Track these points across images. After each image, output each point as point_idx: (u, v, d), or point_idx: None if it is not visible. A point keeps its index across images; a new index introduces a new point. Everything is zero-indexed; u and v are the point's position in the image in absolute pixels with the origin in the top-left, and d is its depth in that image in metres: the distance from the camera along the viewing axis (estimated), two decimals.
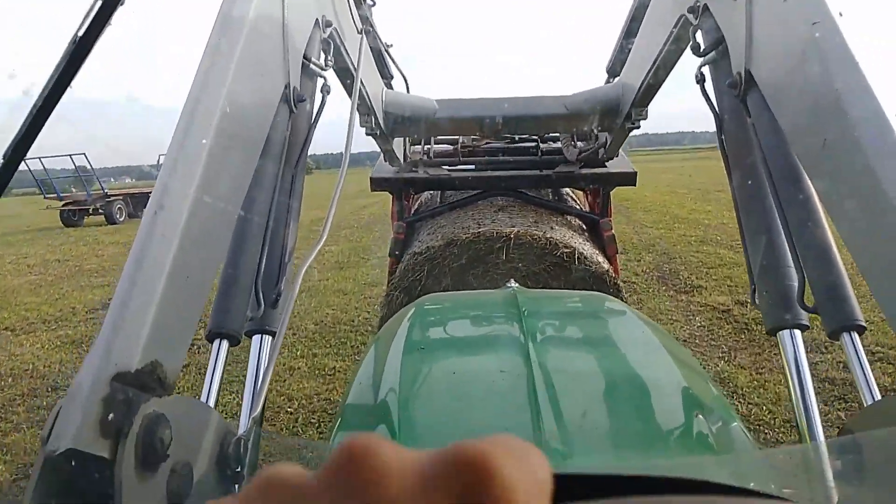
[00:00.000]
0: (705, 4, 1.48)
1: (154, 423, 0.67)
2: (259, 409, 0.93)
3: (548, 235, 2.91)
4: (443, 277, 2.95)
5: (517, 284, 1.64)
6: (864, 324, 1.01)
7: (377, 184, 3.38)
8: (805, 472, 0.75)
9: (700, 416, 0.93)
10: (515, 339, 1.17)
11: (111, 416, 0.64)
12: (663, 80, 2.23)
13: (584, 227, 3.45)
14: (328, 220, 1.26)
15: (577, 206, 3.72)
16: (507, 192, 3.42)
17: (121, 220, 19.16)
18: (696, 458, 0.85)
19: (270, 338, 1.17)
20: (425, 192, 3.91)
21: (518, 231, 2.90)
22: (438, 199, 3.74)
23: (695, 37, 1.54)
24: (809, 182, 1.13)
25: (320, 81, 1.55)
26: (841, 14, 1.04)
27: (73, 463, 0.62)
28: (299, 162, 1.38)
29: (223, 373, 1.02)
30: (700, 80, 1.52)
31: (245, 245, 1.16)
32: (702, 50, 1.49)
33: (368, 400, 1.11)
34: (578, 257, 2.86)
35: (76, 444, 0.61)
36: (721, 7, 1.40)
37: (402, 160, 3.41)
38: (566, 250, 2.87)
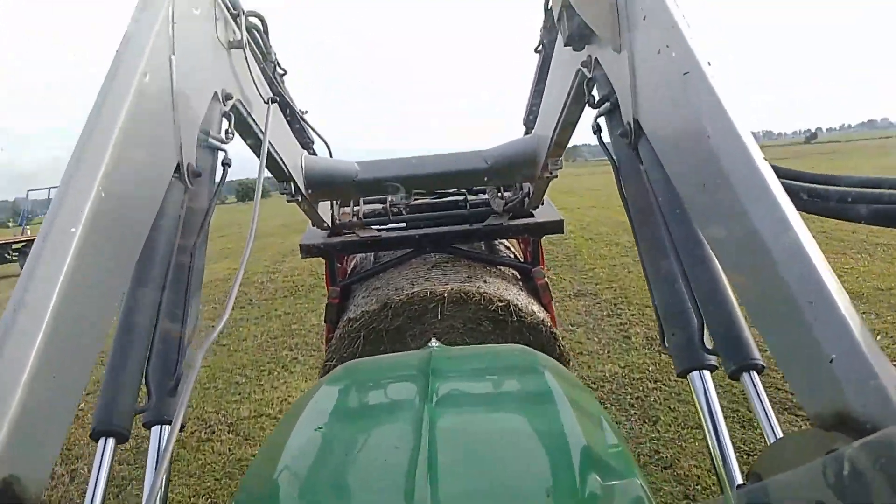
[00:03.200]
0: (596, 58, 1.54)
1: None
2: None
3: (482, 290, 2.90)
4: (379, 342, 2.89)
5: (438, 344, 1.61)
6: (762, 363, 1.02)
7: (307, 251, 3.32)
8: None
9: (598, 481, 0.90)
10: (414, 407, 1.14)
11: None
12: (572, 130, 2.30)
13: (517, 276, 3.46)
14: (231, 297, 1.22)
15: (511, 255, 3.75)
16: (438, 248, 3.41)
17: None
18: None
19: (168, 427, 1.10)
20: (359, 254, 3.87)
21: (451, 288, 2.89)
22: (372, 259, 3.70)
23: (590, 90, 1.60)
24: (698, 226, 1.15)
25: (221, 154, 1.52)
26: (710, 63, 1.10)
27: None
28: (198, 239, 1.34)
29: (109, 475, 0.94)
30: (597, 130, 1.57)
31: (131, 333, 1.10)
32: (596, 102, 1.55)
33: (263, 483, 1.06)
34: (513, 310, 2.86)
35: None
36: (609, 60, 1.46)
37: (330, 224, 3.38)
38: (500, 304, 2.87)
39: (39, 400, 0.75)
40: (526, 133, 3.24)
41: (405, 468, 0.89)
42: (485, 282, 3.06)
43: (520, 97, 3.27)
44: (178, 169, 1.29)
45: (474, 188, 3.81)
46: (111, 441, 0.98)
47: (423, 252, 3.41)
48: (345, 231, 3.42)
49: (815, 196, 1.04)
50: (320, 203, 3.09)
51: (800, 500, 0.68)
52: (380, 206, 3.76)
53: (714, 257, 1.13)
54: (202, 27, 1.49)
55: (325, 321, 3.46)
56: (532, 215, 3.45)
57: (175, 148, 1.28)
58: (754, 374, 1.02)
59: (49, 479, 0.75)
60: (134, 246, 1.08)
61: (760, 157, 0.93)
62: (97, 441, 0.98)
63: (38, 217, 21.01)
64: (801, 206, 0.93)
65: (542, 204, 3.49)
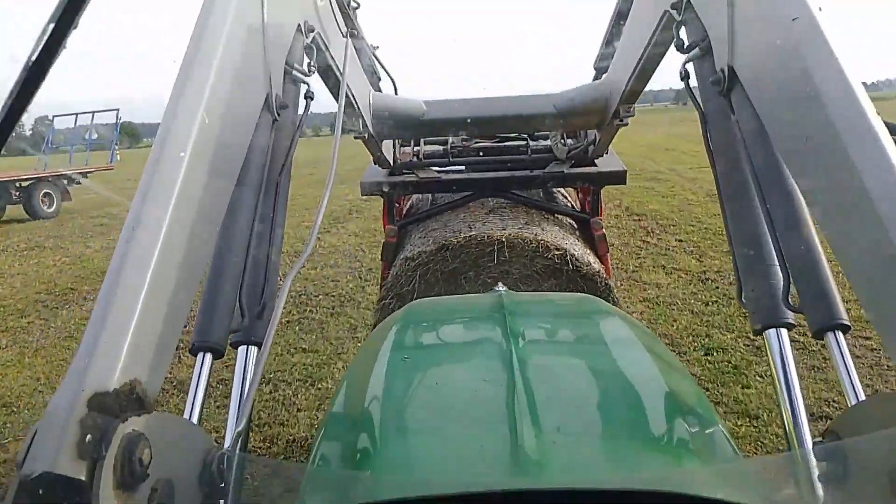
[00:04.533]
0: (688, 1, 1.47)
1: (133, 443, 0.66)
2: (244, 423, 0.93)
3: (539, 238, 2.89)
4: (435, 283, 2.93)
5: (505, 288, 1.63)
6: (848, 323, 1.00)
7: (367, 188, 3.36)
8: (790, 480, 0.75)
9: (683, 424, 0.92)
10: (498, 345, 1.16)
11: (88, 437, 0.63)
12: (650, 77, 2.23)
13: (574, 226, 3.43)
14: (314, 232, 1.25)
15: (569, 205, 3.71)
16: (497, 193, 3.40)
17: (50, 210, 14.93)
18: (680, 470, 0.84)
19: (256, 349, 1.16)
20: (416, 194, 3.89)
21: (509, 234, 2.89)
22: (430, 201, 3.72)
23: (678, 34, 1.53)
24: (793, 180, 1.12)
25: (304, 87, 1.54)
26: (821, 9, 1.04)
27: (49, 487, 0.61)
28: (283, 170, 1.37)
29: (207, 387, 1.01)
30: (684, 76, 1.51)
31: (228, 256, 1.15)
32: (685, 47, 1.49)
33: (351, 411, 1.10)
34: (569, 259, 2.86)
35: (52, 468, 0.60)
36: (704, 3, 1.39)
37: (391, 162, 3.39)
38: (557, 252, 2.86)
39: (154, 314, 0.80)
40: (596, 78, 3.16)
41: (503, 401, 0.92)
42: (542, 229, 3.04)
43: (593, 39, 3.18)
44: (266, 100, 1.32)
45: (536, 134, 3.75)
46: (209, 356, 1.04)
47: (481, 196, 3.40)
48: (405, 171, 3.43)
49: None
50: (384, 142, 3.10)
51: (883, 460, 0.68)
52: (440, 147, 3.74)
53: (807, 213, 1.10)
54: None
55: (381, 259, 3.52)
56: (594, 164, 3.39)
57: (265, 79, 1.30)
58: (839, 333, 1.00)
59: (162, 383, 0.81)
60: (231, 172, 1.12)
61: (873, 112, 0.89)
62: (195, 356, 1.04)
63: (62, 148, 17.83)
64: None
65: (606, 153, 3.42)
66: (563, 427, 0.86)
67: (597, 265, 3.01)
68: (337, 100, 1.71)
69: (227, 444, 0.93)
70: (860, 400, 0.93)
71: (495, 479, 0.75)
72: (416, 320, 1.52)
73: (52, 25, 0.88)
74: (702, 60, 1.42)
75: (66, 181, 15.35)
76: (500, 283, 1.69)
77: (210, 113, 0.99)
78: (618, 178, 3.33)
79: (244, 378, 1.12)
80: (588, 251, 3.14)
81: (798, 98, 1.00)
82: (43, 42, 0.88)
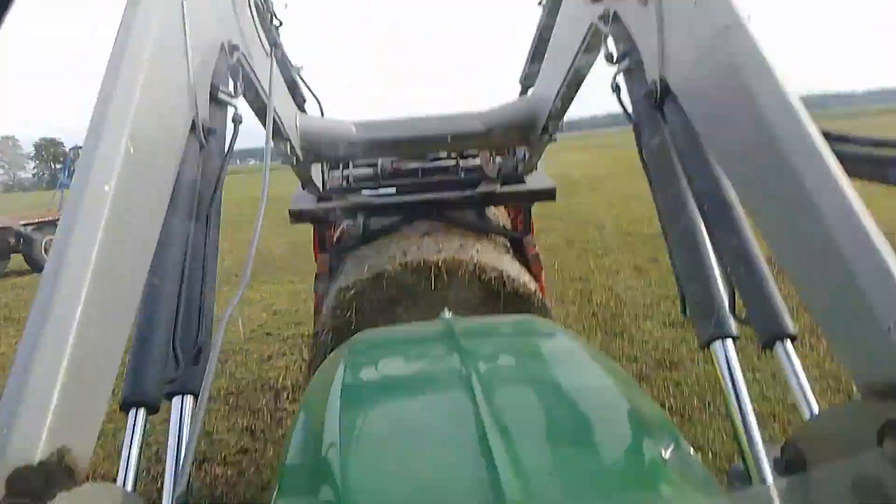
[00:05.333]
0: (615, 12, 1.48)
1: None
2: (185, 483, 0.84)
3: (475, 260, 2.85)
4: (372, 313, 2.80)
5: (451, 314, 1.59)
6: (795, 332, 1.01)
7: (297, 216, 3.24)
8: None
9: (654, 447, 0.90)
10: (457, 376, 1.11)
11: None
12: (577, 90, 2.25)
13: (508, 246, 3.43)
14: (248, 263, 1.18)
15: (501, 224, 3.71)
16: (429, 215, 3.35)
17: None
18: (662, 488, 0.82)
19: (192, 399, 1.06)
20: (347, 220, 3.79)
21: (444, 258, 2.83)
22: (361, 226, 3.63)
23: (607, 45, 1.54)
24: (730, 188, 1.12)
25: (231, 111, 1.46)
26: (749, 17, 1.06)
27: None
28: (213, 200, 1.28)
29: (141, 446, 0.91)
30: (616, 89, 1.53)
31: (159, 299, 1.06)
32: (615, 59, 1.50)
33: (307, 462, 1.02)
34: (506, 280, 2.83)
35: None
36: (631, 14, 1.40)
37: (320, 188, 3.30)
38: (493, 274, 2.83)
39: (83, 369, 0.72)
40: (522, 93, 3.19)
41: (473, 432, 0.87)
42: (477, 250, 3.00)
43: (517, 55, 3.21)
44: (193, 126, 1.23)
45: (467, 152, 3.75)
46: (142, 411, 0.94)
47: (413, 219, 3.35)
48: (335, 196, 3.34)
49: (865, 161, 1.03)
50: (312, 166, 3.02)
51: (845, 469, 0.67)
52: (370, 170, 3.68)
53: (747, 224, 1.11)
54: None
55: (314, 290, 3.38)
56: (524, 181, 3.41)
57: (190, 103, 1.22)
58: (788, 343, 1.00)
59: (94, 449, 0.72)
60: (160, 205, 1.04)
61: (808, 119, 0.91)
62: (127, 412, 0.94)
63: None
64: (850, 170, 0.91)
65: (536, 170, 3.45)
66: (541, 463, 0.83)
67: (532, 285, 3.00)
68: (263, 123, 1.64)
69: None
70: (812, 407, 0.93)
71: None
72: (365, 352, 1.45)
73: None
74: (632, 73, 1.43)
75: None
76: (445, 309, 1.65)
77: (135, 141, 0.91)
78: (548, 194, 3.37)
79: (181, 431, 1.02)
80: (523, 270, 3.13)
81: (733, 107, 1.01)
82: None
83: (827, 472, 0.73)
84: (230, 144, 1.41)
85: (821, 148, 0.86)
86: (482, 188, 3.30)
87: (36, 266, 12.07)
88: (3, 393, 0.66)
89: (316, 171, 3.20)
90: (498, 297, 2.82)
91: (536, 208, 3.57)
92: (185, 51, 1.19)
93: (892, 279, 0.72)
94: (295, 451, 1.09)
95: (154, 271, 1.03)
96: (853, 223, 0.78)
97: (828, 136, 0.94)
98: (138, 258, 0.93)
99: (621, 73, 1.48)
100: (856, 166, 1.03)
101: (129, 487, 0.85)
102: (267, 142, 1.52)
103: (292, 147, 2.49)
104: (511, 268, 2.95)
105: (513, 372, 1.29)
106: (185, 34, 1.20)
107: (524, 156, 3.20)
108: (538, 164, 3.37)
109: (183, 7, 1.19)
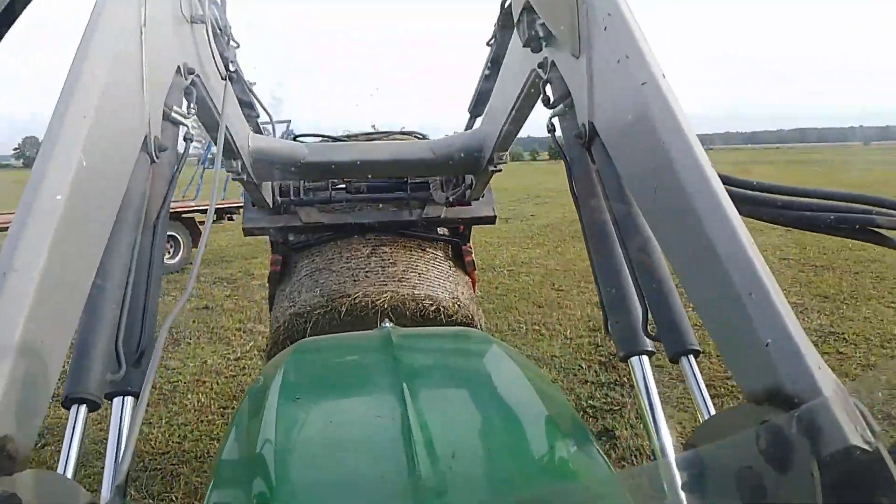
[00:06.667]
0: (552, 61, 1.62)
1: None
2: (123, 477, 0.88)
3: (416, 293, 3.19)
4: (324, 332, 3.06)
5: (391, 324, 1.67)
6: (698, 348, 1.13)
7: (250, 231, 3.34)
8: (655, 489, 0.83)
9: (562, 445, 1.00)
10: (390, 381, 1.19)
11: None
12: (521, 126, 2.38)
13: (448, 253, 3.66)
14: (194, 272, 1.23)
15: (442, 231, 3.88)
16: (378, 233, 3.51)
17: (172, 261, 10.95)
18: (561, 487, 0.91)
19: (133, 400, 1.10)
20: None
21: (389, 296, 3.15)
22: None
23: (545, 90, 1.67)
24: (644, 219, 1.25)
25: (183, 129, 1.52)
26: (664, 76, 1.20)
27: None
28: (160, 214, 1.34)
29: (82, 441, 0.95)
30: (551, 129, 1.65)
31: (103, 303, 1.10)
32: (551, 102, 1.63)
33: (243, 455, 1.08)
34: (441, 310, 3.19)
35: None
36: (566, 64, 1.53)
37: (270, 204, 3.35)
38: (431, 306, 3.18)
39: (27, 363, 0.76)
40: (470, 120, 3.33)
41: (398, 433, 0.95)
42: (419, 276, 3.32)
43: (467, 84, 3.38)
44: (144, 142, 1.29)
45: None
46: (83, 408, 0.98)
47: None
48: (285, 211, 3.41)
49: (754, 202, 1.16)
50: (263, 184, 3.06)
51: (732, 465, 0.78)
52: (322, 183, 3.75)
53: (660, 252, 1.23)
54: (170, 0, 1.48)
55: (269, 285, 3.60)
56: (469, 204, 3.56)
57: (143, 121, 1.27)
58: (692, 357, 1.12)
59: (36, 439, 0.76)
60: (108, 216, 1.08)
61: (709, 164, 1.03)
62: (69, 409, 0.98)
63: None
64: (742, 211, 1.04)
65: (483, 196, 3.59)
66: (458, 454, 0.91)
67: (467, 307, 3.32)
68: (215, 142, 1.69)
69: (103, 498, 0.89)
70: (712, 412, 1.05)
71: None
72: (304, 359, 1.51)
73: None
74: (565, 115, 1.56)
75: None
76: (386, 320, 1.74)
77: (88, 154, 0.96)
78: (489, 220, 3.56)
79: (120, 431, 1.07)
80: (459, 290, 3.43)
81: (647, 153, 1.14)
82: None
83: (714, 459, 0.82)
84: (180, 161, 1.46)
85: (716, 188, 0.99)
86: (429, 213, 3.44)
87: None
88: None
89: (267, 189, 3.25)
90: (435, 321, 3.18)
91: None
92: (140, 72, 1.25)
93: (771, 303, 0.83)
94: (232, 447, 1.15)
95: (100, 275, 1.08)
96: (741, 255, 0.90)
97: (725, 179, 1.08)
98: (86, 264, 0.97)
99: (556, 116, 1.60)
100: (750, 207, 1.18)
101: (69, 474, 0.88)
102: (217, 159, 1.58)
103: (243, 165, 2.54)
104: (447, 294, 3.32)
105: (441, 377, 1.38)
106: (142, 55, 1.25)
107: (472, 183, 3.32)
108: (486, 190, 3.51)
109: (142, 31, 1.25)
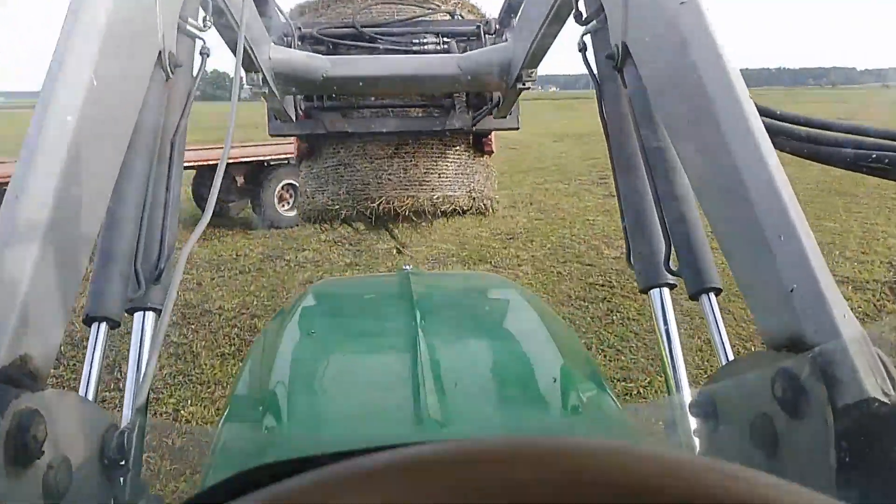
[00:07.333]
0: None
1: (26, 420, 0.65)
2: (144, 396, 0.91)
3: (434, 196, 3.27)
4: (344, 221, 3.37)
5: (411, 267, 1.70)
6: (720, 286, 1.10)
7: (275, 131, 3.36)
8: (666, 424, 0.83)
9: (571, 382, 1.00)
10: (406, 321, 1.20)
11: None
12: (551, 43, 2.28)
13: (469, 142, 3.62)
14: (213, 195, 1.22)
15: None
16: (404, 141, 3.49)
17: (289, 213, 8.92)
18: (567, 418, 0.92)
19: (154, 316, 1.12)
20: None
21: (411, 203, 3.26)
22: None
23: (577, 4, 1.58)
24: (674, 150, 1.20)
25: (199, 43, 1.47)
26: None
27: None
28: (178, 132, 1.31)
29: (102, 359, 0.98)
30: (582, 48, 1.57)
31: (121, 222, 1.10)
32: (584, 19, 1.54)
33: (257, 386, 1.11)
34: (459, 209, 3.31)
35: None
36: None
37: (293, 116, 3.30)
38: (449, 206, 3.30)
39: (45, 284, 0.77)
40: (498, 33, 3.21)
41: (408, 366, 0.96)
42: (439, 176, 3.41)
43: None
44: (159, 58, 1.25)
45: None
46: (104, 326, 1.00)
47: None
48: (310, 117, 3.38)
49: (790, 136, 1.10)
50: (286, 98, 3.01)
51: (746, 409, 0.78)
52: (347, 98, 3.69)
53: (688, 185, 1.18)
54: None
55: (296, 154, 3.65)
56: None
57: (157, 35, 1.23)
58: (713, 296, 1.09)
59: (55, 358, 0.78)
60: (123, 136, 1.06)
61: (746, 94, 0.97)
62: (90, 326, 1.00)
63: None
64: (777, 144, 0.98)
65: (509, 115, 3.49)
66: (461, 385, 0.92)
67: (487, 195, 3.45)
68: (235, 54, 1.64)
69: (124, 417, 0.92)
70: (729, 356, 1.03)
71: (398, 434, 0.79)
72: (321, 298, 1.54)
73: None
74: (598, 34, 1.47)
75: None
76: (409, 265, 1.77)
77: (99, 73, 0.94)
78: (512, 129, 3.51)
79: (141, 347, 1.09)
80: (479, 178, 3.49)
81: (681, 80, 1.08)
82: None
83: (728, 401, 0.82)
84: (197, 77, 1.42)
85: (753, 123, 0.93)
86: (453, 122, 3.40)
87: (261, 221, 8.75)
88: None
89: (288, 101, 3.20)
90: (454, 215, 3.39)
91: None
92: None
93: (800, 247, 0.80)
94: (245, 381, 1.18)
95: (117, 195, 1.07)
96: (772, 192, 0.86)
97: (762, 111, 1.02)
98: (101, 184, 0.97)
99: (588, 34, 1.52)
100: (786, 141, 1.11)
101: (90, 397, 0.92)
102: (236, 74, 1.53)
103: (264, 78, 2.48)
104: (464, 191, 3.41)
105: (456, 316, 1.39)
106: None
107: (499, 101, 3.22)
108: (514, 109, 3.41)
109: None
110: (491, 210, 3.45)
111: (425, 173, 3.40)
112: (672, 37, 1.11)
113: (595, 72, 1.49)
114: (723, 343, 1.05)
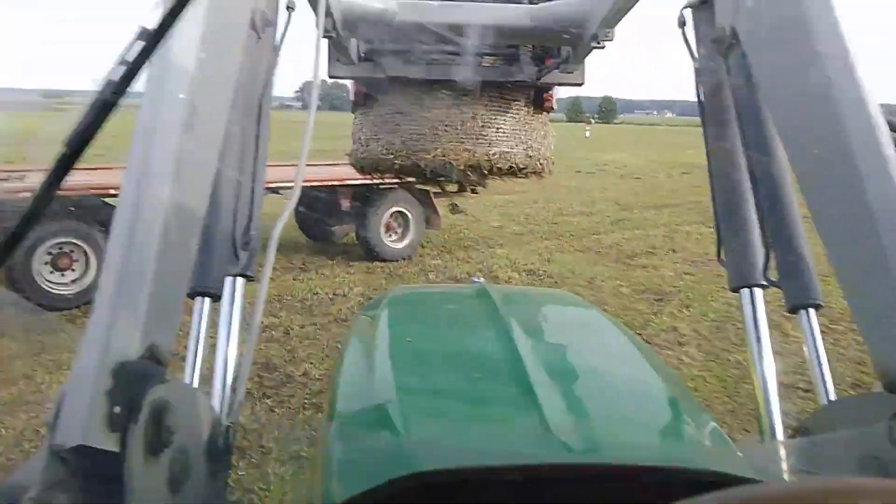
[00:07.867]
0: None
1: (160, 411, 0.67)
2: (243, 390, 0.93)
3: (491, 152, 3.20)
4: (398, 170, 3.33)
5: (483, 279, 1.71)
6: (821, 303, 1.04)
7: (334, 73, 3.31)
8: (773, 466, 0.81)
9: (678, 411, 0.99)
10: (501, 337, 1.20)
11: (117, 409, 0.64)
12: (633, 5, 2.15)
13: (529, 96, 3.53)
14: (300, 174, 1.19)
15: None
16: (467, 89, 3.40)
17: (397, 245, 7.99)
18: (687, 445, 0.91)
19: (245, 281, 1.13)
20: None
21: (467, 158, 3.18)
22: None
23: None
24: (784, 154, 1.12)
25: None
26: None
27: (82, 459, 0.62)
28: (265, 93, 1.29)
29: (206, 332, 1.00)
30: (682, 22, 1.47)
31: (221, 197, 1.11)
32: None
33: (365, 395, 1.11)
34: (514, 168, 3.26)
35: (85, 440, 0.61)
36: None
37: (355, 59, 3.25)
38: (505, 164, 3.23)
39: (166, 269, 0.77)
40: None
41: (520, 382, 0.96)
42: (496, 130, 3.32)
43: None
44: (252, 21, 1.21)
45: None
46: (207, 300, 1.03)
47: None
48: (370, 60, 3.33)
49: None
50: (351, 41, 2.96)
51: (857, 451, 0.72)
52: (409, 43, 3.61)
53: (791, 188, 1.12)
54: None
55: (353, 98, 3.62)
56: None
57: None
58: (812, 312, 1.03)
59: (174, 342, 0.80)
60: (224, 104, 1.04)
61: (874, 99, 0.89)
62: (193, 299, 1.02)
63: None
64: None
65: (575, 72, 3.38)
66: (575, 406, 0.92)
67: (544, 155, 3.36)
68: (315, 10, 1.58)
69: (214, 393, 0.94)
70: (829, 389, 0.97)
71: (533, 454, 0.79)
72: (406, 308, 1.55)
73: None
74: (702, 10, 1.37)
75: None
76: (477, 274, 1.77)
77: (205, 46, 0.92)
78: (577, 84, 3.40)
79: (231, 314, 1.09)
80: (537, 135, 3.40)
81: (797, 73, 0.98)
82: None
83: (835, 443, 0.79)
84: (283, 35, 1.39)
85: (882, 132, 0.85)
86: (517, 74, 3.31)
87: (366, 251, 7.77)
88: (98, 293, 0.71)
89: (352, 43, 3.15)
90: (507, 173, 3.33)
91: None
92: None
93: None
94: (348, 390, 1.18)
95: (220, 169, 1.07)
96: None
97: (893, 126, 0.92)
98: (208, 161, 0.96)
99: (689, 8, 1.41)
100: None
101: (195, 379, 0.94)
102: (319, 27, 1.49)
103: (333, 23, 2.43)
104: (521, 150, 3.33)
105: (551, 336, 1.38)
106: None
107: (568, 56, 3.11)
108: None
109: None
110: (547, 171, 3.35)
111: (482, 127, 3.31)
112: (792, 27, 1.01)
113: (694, 52, 1.40)
114: (819, 361, 0.99)
